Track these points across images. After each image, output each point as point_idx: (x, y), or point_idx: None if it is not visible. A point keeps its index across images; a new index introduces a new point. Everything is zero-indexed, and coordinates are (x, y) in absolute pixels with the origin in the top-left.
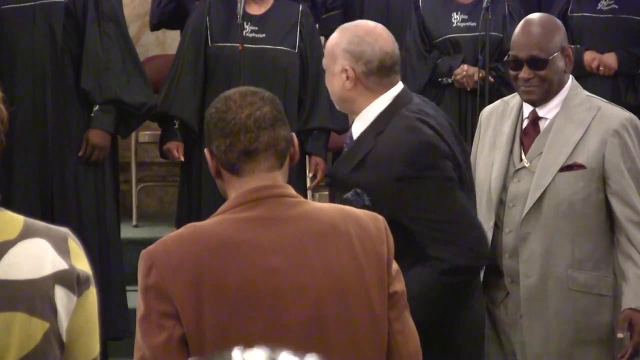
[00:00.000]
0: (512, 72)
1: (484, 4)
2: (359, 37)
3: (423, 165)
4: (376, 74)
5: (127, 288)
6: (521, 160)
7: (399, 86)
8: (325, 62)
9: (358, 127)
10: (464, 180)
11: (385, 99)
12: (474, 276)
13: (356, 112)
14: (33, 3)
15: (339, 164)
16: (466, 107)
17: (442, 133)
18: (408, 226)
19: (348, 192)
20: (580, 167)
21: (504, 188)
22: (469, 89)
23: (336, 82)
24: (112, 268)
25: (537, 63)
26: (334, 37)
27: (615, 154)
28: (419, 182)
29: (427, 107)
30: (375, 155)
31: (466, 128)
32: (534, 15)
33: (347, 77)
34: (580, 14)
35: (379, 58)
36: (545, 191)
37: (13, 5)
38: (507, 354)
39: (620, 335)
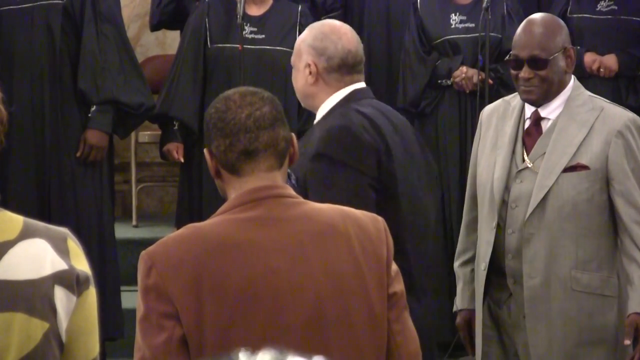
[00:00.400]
0: (512, 72)
1: (484, 4)
2: (323, 33)
3: (336, 147)
4: (337, 70)
5: (125, 288)
6: (524, 160)
7: (360, 84)
8: (292, 59)
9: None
10: (390, 187)
11: (341, 94)
12: None
13: (317, 108)
14: (31, 4)
15: None
16: (466, 109)
17: (382, 129)
18: None
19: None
20: (584, 167)
21: (507, 188)
22: (468, 91)
23: (300, 78)
24: (108, 268)
25: (537, 63)
26: (302, 34)
27: (619, 155)
28: (330, 164)
29: (382, 106)
30: (309, 141)
31: (466, 130)
32: (537, 15)
33: (310, 72)
34: (579, 15)
35: (341, 55)
36: (548, 192)
37: (11, 7)
38: (509, 354)
39: (627, 342)
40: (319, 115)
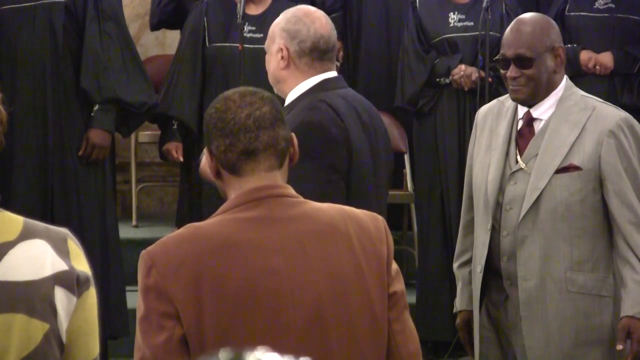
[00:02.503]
0: (502, 71)
1: (484, 4)
2: (296, 17)
3: (306, 144)
4: (308, 54)
5: (127, 288)
6: (517, 162)
7: (331, 74)
8: (266, 43)
9: None
10: (354, 178)
11: (311, 82)
12: None
13: (286, 94)
14: (33, 3)
15: None
16: (464, 108)
17: (348, 123)
18: None
19: None
20: (576, 168)
21: (501, 190)
22: (466, 89)
23: (272, 62)
24: (112, 268)
25: (523, 62)
26: (277, 19)
27: (611, 155)
28: (300, 161)
29: (351, 97)
30: None
31: (464, 128)
32: (526, 15)
33: (282, 57)
34: (577, 13)
35: (313, 39)
36: (541, 193)
37: (13, 6)
38: (508, 356)
39: (619, 347)
40: (287, 101)
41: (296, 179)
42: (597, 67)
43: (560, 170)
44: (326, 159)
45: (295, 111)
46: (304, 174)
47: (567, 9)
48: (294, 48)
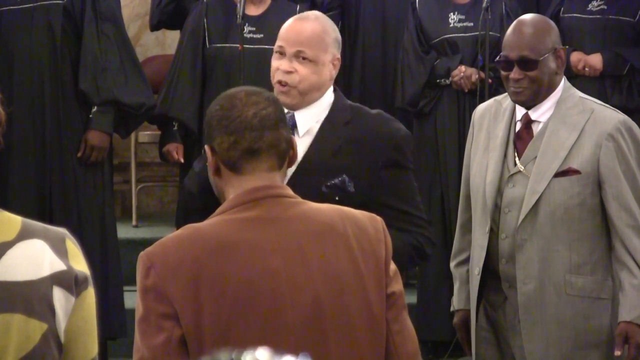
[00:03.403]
0: (503, 73)
1: (484, 4)
2: (334, 24)
3: (409, 155)
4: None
5: (126, 288)
6: (515, 164)
7: None
8: (312, 53)
9: (306, 117)
10: None
11: (330, 91)
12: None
13: (311, 102)
14: (32, 4)
15: (313, 150)
16: (464, 109)
17: None
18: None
19: (329, 176)
20: (575, 172)
21: (499, 193)
22: (466, 90)
23: (324, 73)
24: (110, 268)
25: (527, 64)
26: (317, 26)
27: (610, 158)
28: (403, 172)
29: None
30: (356, 141)
31: (464, 129)
32: (527, 16)
33: (334, 66)
34: (570, 15)
35: None
36: (540, 197)
37: (12, 7)
38: (507, 357)
39: (617, 352)
40: (314, 109)
41: (414, 191)
42: (587, 69)
43: (559, 174)
44: (413, 167)
45: (370, 124)
46: (415, 185)
47: (562, 10)
48: (339, 57)
